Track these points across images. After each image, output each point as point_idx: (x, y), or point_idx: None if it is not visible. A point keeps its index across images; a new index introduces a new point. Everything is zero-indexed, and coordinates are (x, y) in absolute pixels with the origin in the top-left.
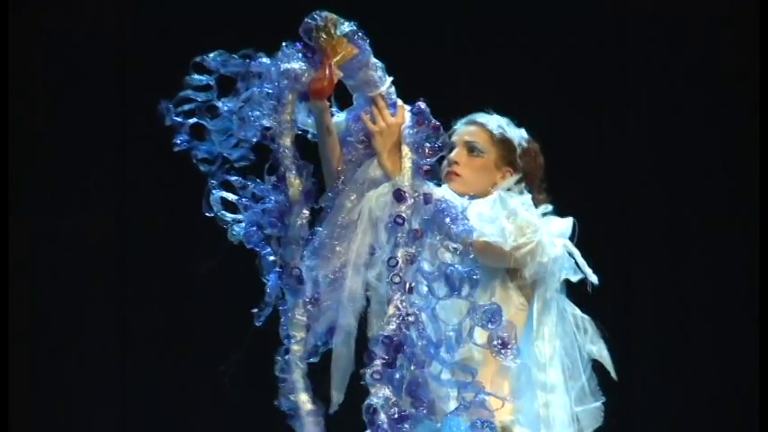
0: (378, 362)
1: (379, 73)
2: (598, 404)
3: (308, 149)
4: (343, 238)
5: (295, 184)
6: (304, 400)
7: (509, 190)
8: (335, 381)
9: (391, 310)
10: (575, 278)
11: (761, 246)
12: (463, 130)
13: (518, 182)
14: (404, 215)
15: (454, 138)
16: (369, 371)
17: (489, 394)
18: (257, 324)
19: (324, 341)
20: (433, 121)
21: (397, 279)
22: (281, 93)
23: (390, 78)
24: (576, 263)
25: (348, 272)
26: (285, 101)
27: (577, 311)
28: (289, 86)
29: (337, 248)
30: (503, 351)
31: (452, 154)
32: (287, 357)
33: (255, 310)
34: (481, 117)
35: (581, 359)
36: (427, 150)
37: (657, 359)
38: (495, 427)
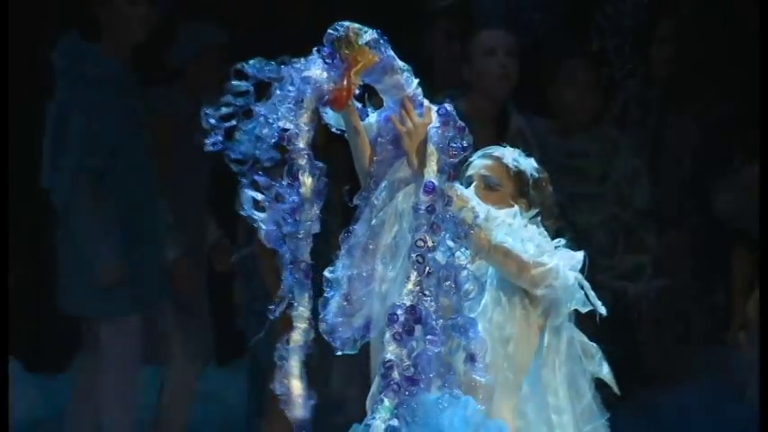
0: (399, 325)
1: (405, 76)
2: (602, 421)
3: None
4: (375, 236)
5: (307, 183)
6: (296, 385)
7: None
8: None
9: (410, 285)
10: (584, 309)
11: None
12: (480, 163)
13: (533, 215)
14: (434, 204)
15: (471, 172)
16: (390, 330)
17: (464, 395)
18: (271, 317)
19: (361, 335)
20: (459, 122)
21: (420, 259)
22: (302, 96)
23: (417, 80)
24: (587, 295)
25: (378, 268)
26: (305, 105)
27: (585, 339)
28: (309, 92)
29: (370, 247)
30: (470, 365)
31: (470, 188)
32: (287, 346)
33: (271, 306)
34: (497, 151)
35: (586, 381)
36: (451, 151)
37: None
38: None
